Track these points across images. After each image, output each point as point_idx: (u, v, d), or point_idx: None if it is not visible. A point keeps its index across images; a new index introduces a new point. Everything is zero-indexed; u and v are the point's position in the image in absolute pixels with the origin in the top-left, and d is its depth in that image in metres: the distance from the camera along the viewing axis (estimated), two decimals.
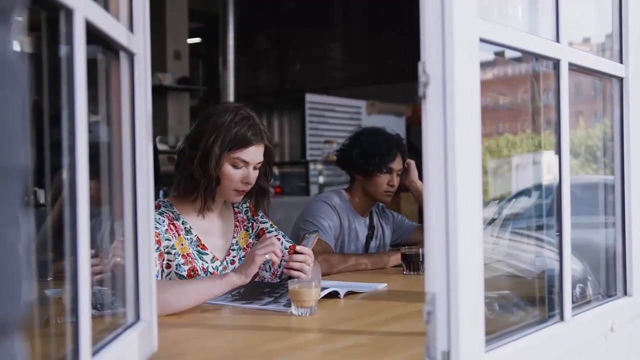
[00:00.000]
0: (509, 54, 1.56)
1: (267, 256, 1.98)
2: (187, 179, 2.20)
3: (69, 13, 0.98)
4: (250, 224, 2.40)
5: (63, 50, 1.00)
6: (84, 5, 1.01)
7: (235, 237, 2.34)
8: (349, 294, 2.17)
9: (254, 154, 2.20)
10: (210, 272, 2.21)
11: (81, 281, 0.99)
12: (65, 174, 1.00)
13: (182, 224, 2.22)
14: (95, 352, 1.08)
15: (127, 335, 1.27)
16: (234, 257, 2.31)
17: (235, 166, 2.18)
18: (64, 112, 0.99)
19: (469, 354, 1.16)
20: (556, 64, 1.51)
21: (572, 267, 1.55)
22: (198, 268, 2.18)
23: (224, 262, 2.27)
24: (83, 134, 1.00)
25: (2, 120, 0.52)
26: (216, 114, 2.19)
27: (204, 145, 2.15)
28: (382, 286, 2.33)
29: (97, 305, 1.33)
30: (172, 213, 2.21)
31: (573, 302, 1.53)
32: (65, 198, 1.00)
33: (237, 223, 2.37)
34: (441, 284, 1.16)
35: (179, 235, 2.18)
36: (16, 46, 0.58)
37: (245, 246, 2.35)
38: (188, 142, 2.22)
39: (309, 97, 7.95)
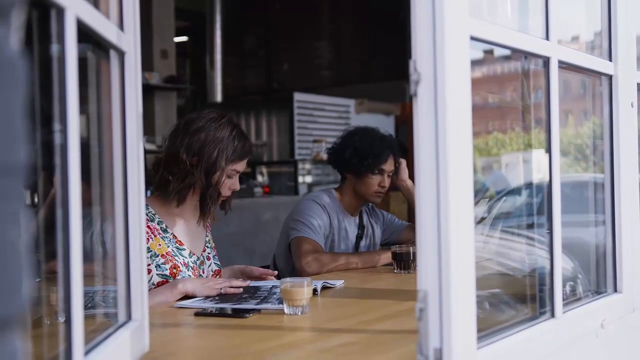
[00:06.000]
0: (497, 52, 1.57)
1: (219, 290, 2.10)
2: (187, 188, 2.24)
3: (60, 11, 0.97)
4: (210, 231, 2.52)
5: (54, 48, 0.99)
6: (75, 4, 1.01)
7: (207, 236, 2.44)
8: (324, 289, 2.22)
9: (245, 164, 2.33)
10: (191, 267, 2.27)
11: (73, 282, 0.99)
12: (56, 174, 1.00)
13: (158, 224, 2.25)
14: (87, 352, 1.08)
15: (119, 335, 1.26)
16: (208, 253, 2.41)
17: (230, 176, 2.28)
18: (55, 111, 0.99)
19: (461, 351, 1.16)
20: (546, 61, 1.51)
21: (562, 265, 1.55)
22: (179, 264, 2.23)
23: (201, 257, 2.36)
24: (75, 133, 1.00)
25: (4, 117, 0.52)
26: (212, 127, 2.24)
27: (207, 158, 2.21)
28: (339, 283, 2.36)
29: (87, 304, 1.32)
30: (147, 214, 2.22)
31: (563, 299, 1.54)
32: (57, 198, 0.99)
33: (207, 224, 2.45)
34: (433, 281, 1.16)
35: (155, 236, 2.21)
36: (15, 44, 0.57)
37: (213, 246, 2.46)
38: (184, 149, 2.22)
39: (297, 96, 7.93)
